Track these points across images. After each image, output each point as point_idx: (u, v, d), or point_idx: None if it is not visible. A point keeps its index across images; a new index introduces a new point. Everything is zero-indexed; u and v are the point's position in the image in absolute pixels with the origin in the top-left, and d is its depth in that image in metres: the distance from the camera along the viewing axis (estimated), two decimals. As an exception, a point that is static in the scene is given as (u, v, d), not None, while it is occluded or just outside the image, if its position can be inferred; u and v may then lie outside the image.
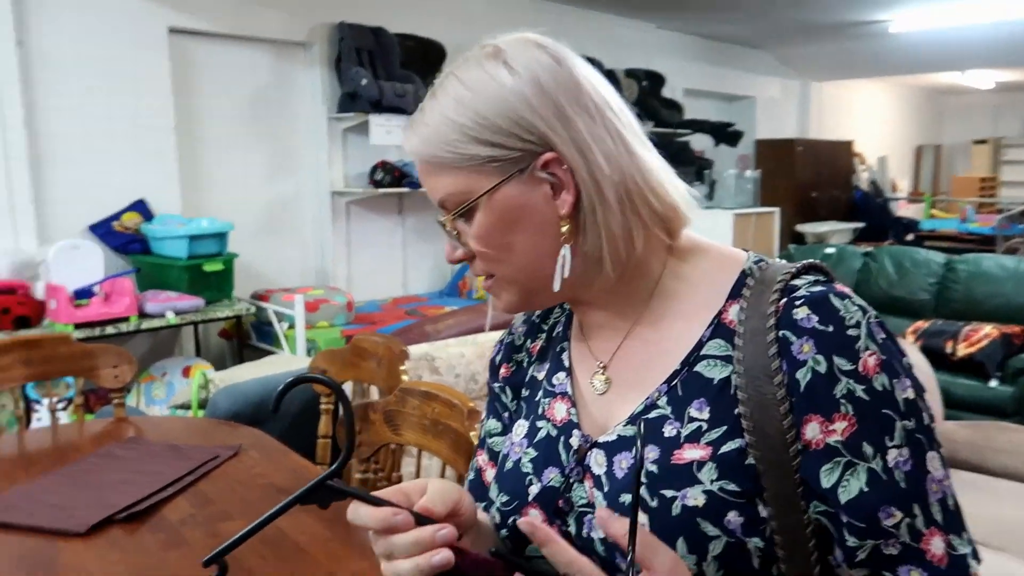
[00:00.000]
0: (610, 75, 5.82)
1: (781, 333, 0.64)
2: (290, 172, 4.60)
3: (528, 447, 0.76)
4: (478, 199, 0.68)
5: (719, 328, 0.69)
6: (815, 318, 0.64)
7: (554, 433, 0.74)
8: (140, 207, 3.98)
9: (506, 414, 0.87)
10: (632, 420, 0.70)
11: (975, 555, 0.64)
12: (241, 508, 1.58)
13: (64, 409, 2.99)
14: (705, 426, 0.66)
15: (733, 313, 0.69)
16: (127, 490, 1.64)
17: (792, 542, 0.62)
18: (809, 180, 8.13)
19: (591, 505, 0.69)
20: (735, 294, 0.70)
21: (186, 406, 3.15)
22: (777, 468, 0.62)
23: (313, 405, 2.19)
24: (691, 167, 6.50)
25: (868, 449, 0.62)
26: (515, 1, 5.36)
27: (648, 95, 6.17)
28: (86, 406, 2.97)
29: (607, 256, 0.69)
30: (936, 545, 0.63)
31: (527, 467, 0.74)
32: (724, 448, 0.65)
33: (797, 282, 0.68)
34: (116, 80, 3.81)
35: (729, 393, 0.66)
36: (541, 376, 0.81)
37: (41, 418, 3.14)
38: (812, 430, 0.63)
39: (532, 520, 0.58)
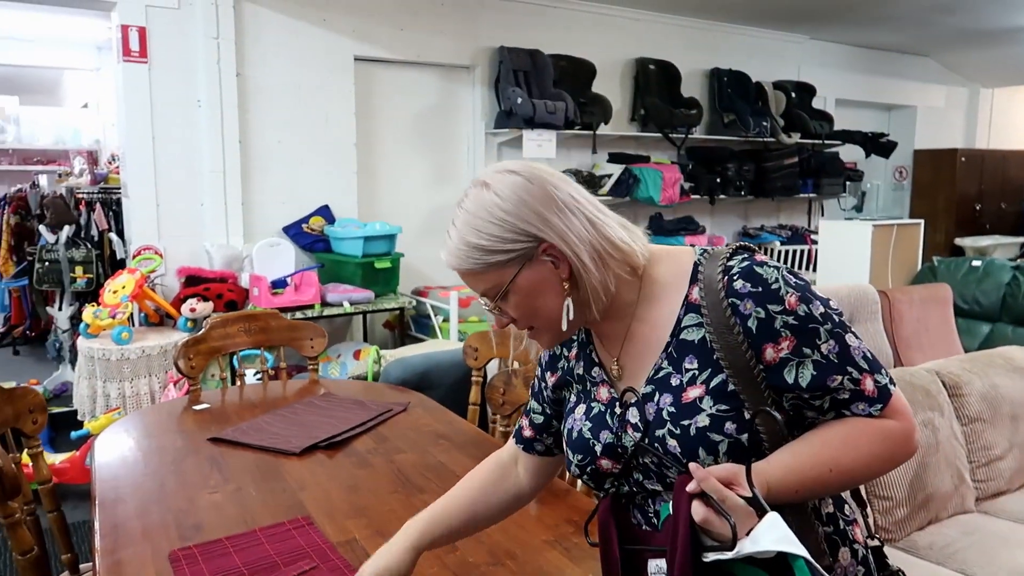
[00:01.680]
0: (758, 88, 6.00)
1: (729, 300, 0.98)
2: (450, 182, 5.12)
3: (586, 421, 1.10)
4: (508, 286, 1.02)
5: (689, 306, 1.03)
6: (748, 285, 0.98)
7: (603, 409, 1.09)
8: (324, 212, 4.62)
9: (544, 404, 1.23)
10: (649, 381, 1.04)
11: (892, 382, 0.99)
12: (411, 446, 2.01)
13: (259, 378, 3.60)
14: (697, 372, 1.00)
15: (696, 293, 1.02)
16: (326, 428, 2.11)
17: (771, 429, 0.97)
18: (973, 192, 7.78)
19: (635, 444, 1.03)
20: (693, 279, 1.03)
21: (362, 377, 3.69)
22: (749, 385, 0.96)
23: (466, 378, 2.61)
24: (839, 178, 6.48)
25: (807, 350, 0.96)
26: (663, 21, 5.64)
27: (796, 107, 6.23)
28: (284, 373, 3.55)
29: (592, 302, 1.03)
30: (868, 384, 0.98)
31: (588, 434, 1.09)
32: (713, 383, 0.98)
33: (731, 262, 1.01)
34: (310, 103, 4.47)
35: (707, 347, 1.00)
36: (582, 371, 1.15)
37: (248, 379, 3.77)
38: (769, 353, 0.97)
39: (695, 465, 0.90)
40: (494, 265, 1.02)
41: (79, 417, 3.78)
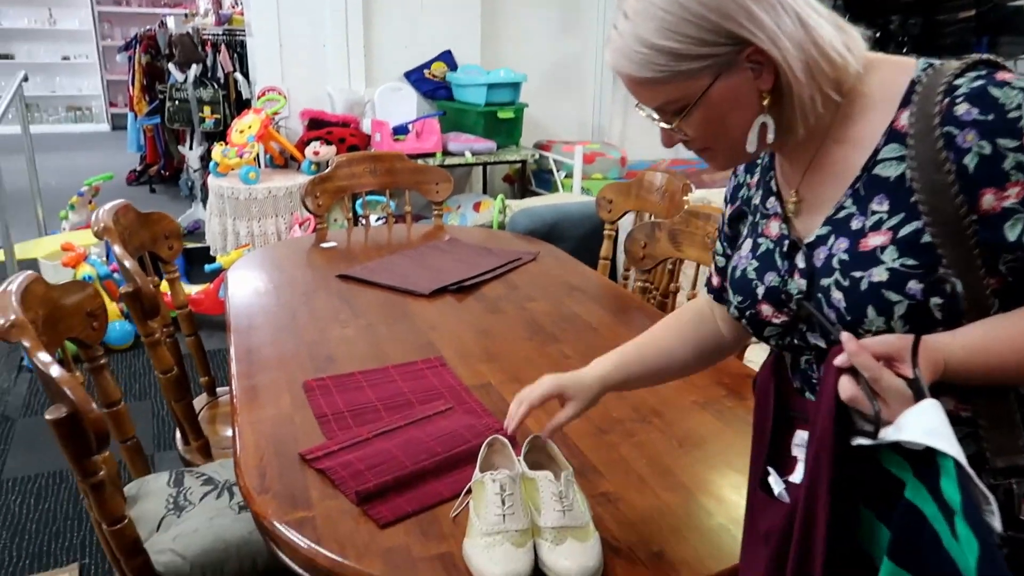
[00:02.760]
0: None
1: (944, 130, 0.75)
2: (577, 32, 4.77)
3: (752, 259, 0.93)
4: (697, 100, 0.82)
5: (892, 135, 0.80)
6: (975, 111, 0.74)
7: (771, 246, 0.91)
8: (447, 57, 4.42)
9: (726, 245, 1.06)
10: (827, 222, 0.84)
11: None
12: (543, 295, 1.91)
13: (382, 224, 3.58)
14: (885, 216, 0.79)
15: (904, 119, 0.79)
16: (454, 271, 2.04)
17: (973, 296, 0.75)
18: None
19: (801, 292, 0.85)
20: (905, 102, 0.80)
21: (485, 227, 3.61)
22: (954, 238, 0.75)
23: (596, 231, 2.46)
24: (1022, 37, 5.66)
25: None
26: None
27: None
28: (406, 219, 3.51)
29: (799, 120, 0.82)
30: None
31: (752, 275, 0.92)
32: (903, 231, 0.77)
33: (959, 81, 0.76)
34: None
35: (904, 186, 0.78)
36: (758, 201, 0.97)
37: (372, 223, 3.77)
38: (987, 201, 0.74)
39: (848, 336, 0.73)
40: (683, 74, 0.82)
41: (211, 253, 3.91)
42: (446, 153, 4.03)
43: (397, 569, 0.95)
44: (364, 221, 2.66)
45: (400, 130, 4.01)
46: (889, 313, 0.78)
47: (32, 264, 3.75)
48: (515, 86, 4.21)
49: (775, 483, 0.84)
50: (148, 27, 5.99)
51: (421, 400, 1.36)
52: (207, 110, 4.63)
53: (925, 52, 5.07)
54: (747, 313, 0.92)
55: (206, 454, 1.74)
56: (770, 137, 0.84)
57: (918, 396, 0.69)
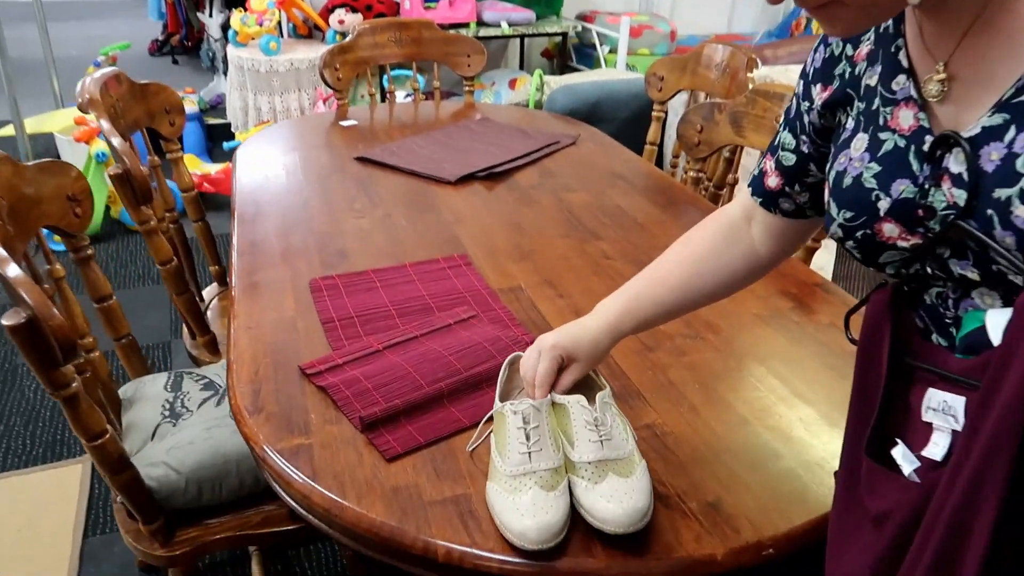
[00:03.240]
0: None
1: None
2: None
3: (870, 162, 0.69)
4: None
5: None
6: None
7: (902, 144, 0.66)
8: (483, -86, 4.00)
9: (802, 136, 0.82)
10: (1001, 107, 0.60)
11: None
12: (582, 184, 1.70)
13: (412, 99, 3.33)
14: None
15: None
16: (484, 156, 1.82)
17: None
18: None
19: (954, 206, 0.62)
20: None
21: (521, 106, 3.35)
22: None
23: (643, 113, 2.20)
24: None
25: None
26: None
27: None
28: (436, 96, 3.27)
29: None
30: None
31: (871, 183, 0.68)
32: None
33: None
34: None
35: None
36: (874, 82, 0.71)
37: (399, 99, 3.53)
38: None
39: None
40: None
41: (232, 129, 3.71)
42: (480, 23, 3.71)
43: (403, 514, 0.81)
44: (389, 97, 2.43)
45: (431, -4, 3.68)
46: None
47: (47, 138, 3.60)
48: (557, -52, 3.81)
49: (904, 459, 0.65)
50: None
51: (441, 305, 1.20)
52: (226, -27, 4.31)
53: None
54: (858, 234, 0.71)
55: (213, 350, 1.62)
56: None
57: None
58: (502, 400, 0.89)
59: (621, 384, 1.02)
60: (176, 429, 1.24)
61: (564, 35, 4.05)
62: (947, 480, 0.58)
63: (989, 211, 0.59)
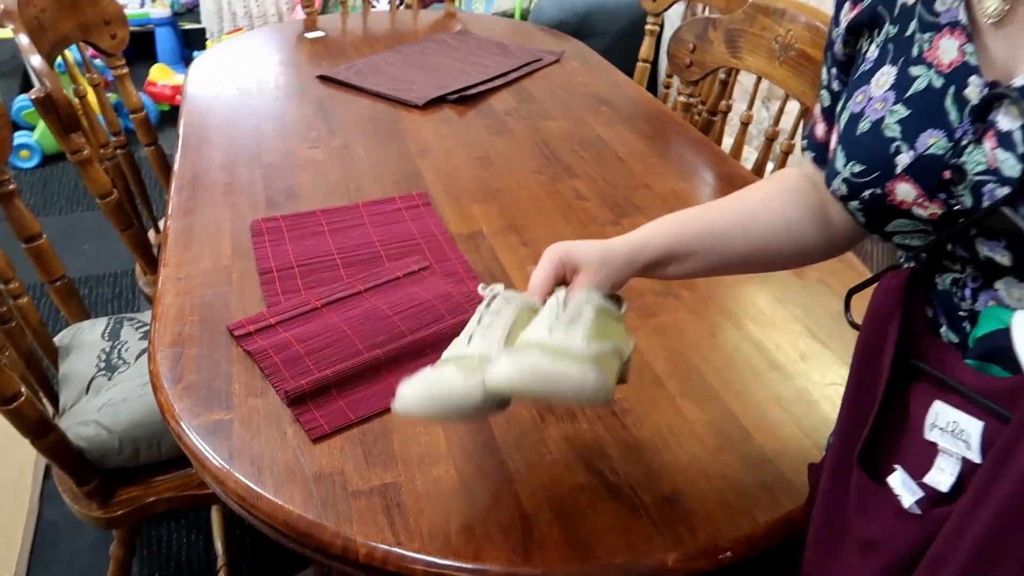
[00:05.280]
0: None
1: None
2: None
3: (896, 103, 0.56)
4: None
5: None
6: None
7: (939, 84, 0.54)
8: None
9: (833, 70, 0.67)
10: None
11: None
12: (562, 111, 1.55)
13: (399, 6, 3.12)
14: None
15: None
16: (458, 76, 1.67)
17: None
18: None
19: (993, 171, 0.50)
20: None
21: (508, 15, 3.13)
22: None
23: (638, 25, 2.02)
24: None
25: None
26: None
27: None
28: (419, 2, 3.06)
29: None
30: None
31: (893, 129, 0.55)
32: None
33: None
34: None
35: None
36: (912, 1, 0.58)
37: (376, 6, 3.31)
38: None
39: None
40: None
41: (206, 36, 3.51)
42: (471, -81, 3.43)
43: (323, 505, 0.73)
44: (365, 4, 2.24)
45: None
46: None
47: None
48: None
49: (904, 489, 0.54)
50: None
51: (392, 254, 1.09)
52: None
53: None
54: (866, 193, 0.58)
55: (167, 288, 1.52)
56: None
57: None
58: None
59: (582, 350, 0.93)
60: (111, 383, 1.16)
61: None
62: (956, 525, 0.48)
63: None
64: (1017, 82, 0.50)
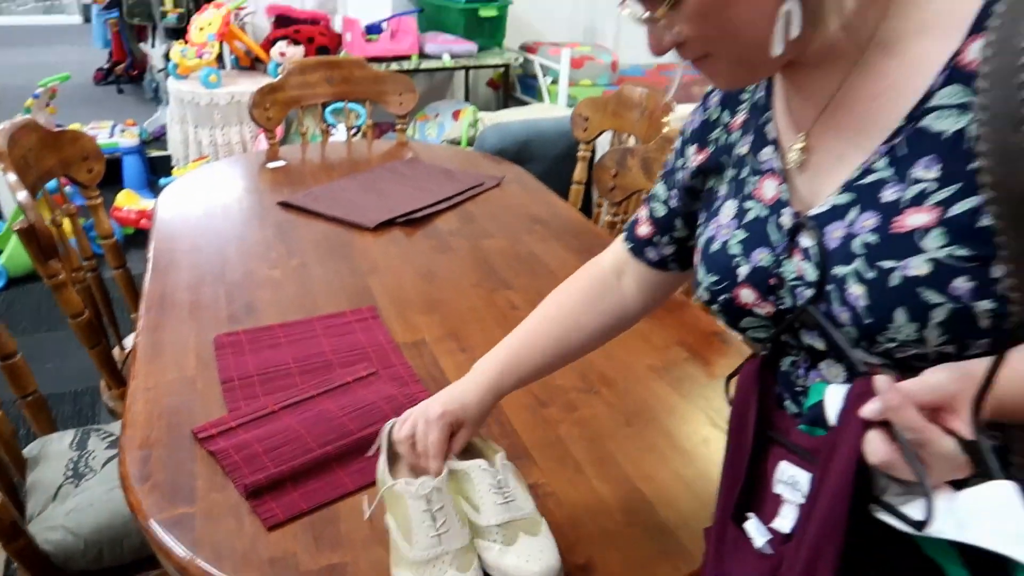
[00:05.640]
0: None
1: None
2: (571, -85, 4.37)
3: (737, 229, 0.73)
4: None
5: (955, 73, 0.58)
6: None
7: (764, 214, 0.70)
8: (426, -53, 4.05)
9: (673, 191, 0.86)
10: (848, 187, 0.64)
11: None
12: (501, 230, 1.73)
13: (355, 135, 3.35)
14: (933, 186, 0.58)
15: (974, 52, 0.57)
16: (407, 200, 1.85)
17: None
18: None
19: (801, 278, 0.66)
20: (978, 28, 0.58)
21: (456, 142, 3.38)
22: (1022, 226, 0.54)
23: (572, 152, 2.25)
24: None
25: None
26: None
27: None
28: (373, 132, 3.29)
29: (830, 8, 0.60)
30: None
31: (735, 248, 0.72)
32: (955, 209, 0.57)
33: None
34: None
35: (963, 147, 0.57)
36: (745, 151, 0.75)
37: (335, 137, 3.54)
38: None
39: (884, 379, 0.54)
40: None
41: (172, 163, 3.69)
42: (423, 56, 3.74)
43: (278, 585, 0.82)
44: (322, 136, 2.44)
45: (373, 29, 3.71)
46: (924, 319, 0.58)
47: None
48: (497, -20, 3.87)
49: (756, 532, 0.68)
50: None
51: (343, 362, 1.21)
52: (169, 3, 4.30)
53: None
54: (721, 298, 0.74)
55: (131, 401, 1.60)
56: (794, 31, 0.60)
57: (980, 468, 0.51)
58: (388, 468, 0.89)
59: (511, 442, 1.05)
60: (78, 490, 1.23)
61: (507, 67, 4.10)
62: (791, 553, 0.61)
63: (830, 287, 0.63)
64: (813, 211, 0.67)
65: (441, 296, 1.43)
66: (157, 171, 3.97)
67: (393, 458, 0.93)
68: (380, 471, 0.89)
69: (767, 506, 0.68)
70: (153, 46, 4.57)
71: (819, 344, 0.67)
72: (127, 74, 5.79)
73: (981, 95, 0.56)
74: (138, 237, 3.42)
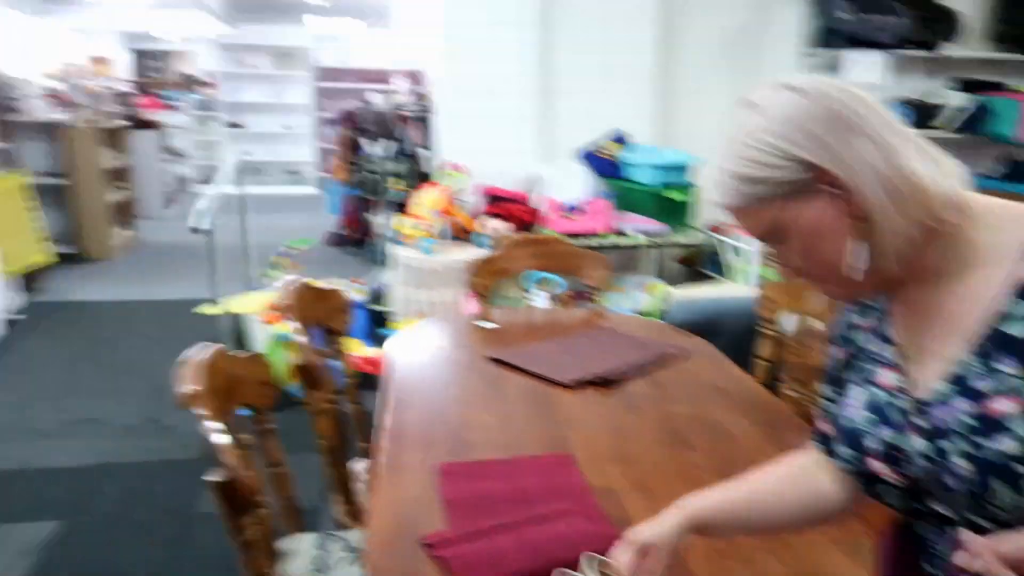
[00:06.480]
0: None
1: None
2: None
3: (863, 410, 0.90)
4: (782, 225, 0.84)
5: (1022, 291, 0.77)
6: None
7: (887, 398, 0.88)
8: (619, 137, 4.52)
9: (838, 391, 1.01)
10: (948, 379, 0.81)
11: None
12: (687, 397, 1.89)
13: (554, 301, 3.68)
14: (1015, 381, 0.75)
15: None
16: (602, 363, 2.07)
17: None
18: None
19: (918, 452, 0.82)
20: None
21: (646, 314, 3.61)
22: None
23: (756, 328, 2.39)
24: None
25: None
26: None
27: None
28: (572, 300, 3.59)
29: (888, 250, 0.81)
30: None
31: (865, 426, 0.88)
32: None
33: None
34: (610, 23, 4.36)
35: None
36: (872, 346, 0.93)
37: (533, 303, 3.89)
38: None
39: (972, 536, 0.71)
40: (763, 200, 0.84)
41: (392, 318, 4.20)
42: (617, 233, 4.09)
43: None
44: (530, 301, 2.77)
45: (571, 208, 4.13)
46: (1018, 488, 0.73)
47: (240, 317, 4.22)
48: (683, 168, 4.21)
49: None
50: (352, 106, 6.65)
51: (543, 497, 1.40)
52: (393, 181, 5.03)
53: None
54: (856, 468, 0.90)
55: (356, 518, 1.87)
56: (862, 264, 0.82)
57: None
58: None
59: None
60: (320, 584, 1.48)
61: (697, 246, 4.35)
62: None
63: (941, 459, 0.79)
64: (923, 396, 0.83)
65: (630, 451, 1.60)
66: (379, 324, 4.51)
67: None
68: None
69: None
70: (378, 216, 5.31)
71: (946, 510, 0.80)
72: (356, 238, 6.68)
73: None
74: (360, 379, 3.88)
